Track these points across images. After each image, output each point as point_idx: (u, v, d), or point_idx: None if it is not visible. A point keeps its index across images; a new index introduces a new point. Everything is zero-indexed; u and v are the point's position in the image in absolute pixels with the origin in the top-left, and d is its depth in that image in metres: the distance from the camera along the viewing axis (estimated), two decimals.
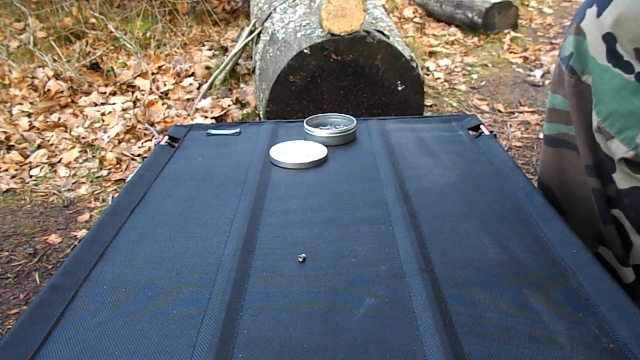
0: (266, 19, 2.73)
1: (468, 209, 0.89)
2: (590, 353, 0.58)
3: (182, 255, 0.78)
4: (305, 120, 1.20)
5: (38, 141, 2.67)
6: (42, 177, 2.46)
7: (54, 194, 2.33)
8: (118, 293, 0.70)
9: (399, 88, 2.24)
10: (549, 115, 0.94)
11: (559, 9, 4.71)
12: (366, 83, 2.21)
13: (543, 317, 0.63)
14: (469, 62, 3.67)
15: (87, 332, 0.63)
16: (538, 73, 3.41)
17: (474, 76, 3.45)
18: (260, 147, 1.16)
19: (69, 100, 3.04)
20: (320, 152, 1.10)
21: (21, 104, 3.00)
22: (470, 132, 1.22)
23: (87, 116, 2.90)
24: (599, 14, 0.78)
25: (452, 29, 4.21)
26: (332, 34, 2.10)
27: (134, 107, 2.96)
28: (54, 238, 2.03)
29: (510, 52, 3.79)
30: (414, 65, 2.23)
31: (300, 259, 0.76)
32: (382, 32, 2.22)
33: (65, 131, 2.79)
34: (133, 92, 3.13)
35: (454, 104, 3.05)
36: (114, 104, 3.00)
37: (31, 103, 3.01)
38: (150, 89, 3.12)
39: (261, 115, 2.36)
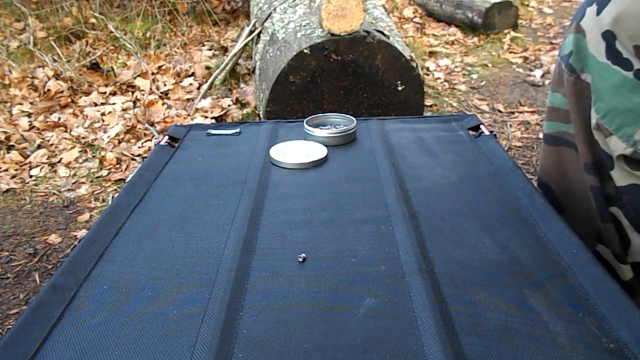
0: (266, 19, 2.73)
1: (468, 209, 0.89)
2: (590, 353, 0.58)
3: (182, 255, 0.78)
4: (305, 120, 1.20)
5: (38, 141, 2.67)
6: (42, 177, 2.46)
7: (54, 194, 2.33)
8: (118, 293, 0.70)
9: (399, 88, 2.24)
10: (549, 114, 0.94)
11: (559, 9, 4.71)
12: (366, 83, 2.21)
13: (543, 317, 0.63)
14: (469, 62, 3.66)
15: (87, 332, 0.63)
16: (538, 73, 3.41)
17: (474, 76, 3.45)
18: (260, 147, 1.16)
19: (69, 100, 3.04)
20: (320, 152, 1.10)
21: (21, 104, 3.00)
22: (470, 132, 1.22)
23: (87, 116, 2.90)
24: (598, 12, 0.78)
25: (452, 29, 4.21)
26: (332, 34, 2.10)
27: (134, 107, 2.96)
28: (54, 238, 2.03)
29: (510, 52, 3.79)
30: (414, 65, 2.23)
31: (300, 259, 0.76)
32: (382, 32, 2.22)
33: (65, 131, 2.79)
34: (133, 92, 3.13)
35: (454, 104, 3.05)
36: (114, 104, 2.99)
37: (31, 103, 3.01)
38: (150, 89, 3.12)
39: (261, 115, 2.36)
